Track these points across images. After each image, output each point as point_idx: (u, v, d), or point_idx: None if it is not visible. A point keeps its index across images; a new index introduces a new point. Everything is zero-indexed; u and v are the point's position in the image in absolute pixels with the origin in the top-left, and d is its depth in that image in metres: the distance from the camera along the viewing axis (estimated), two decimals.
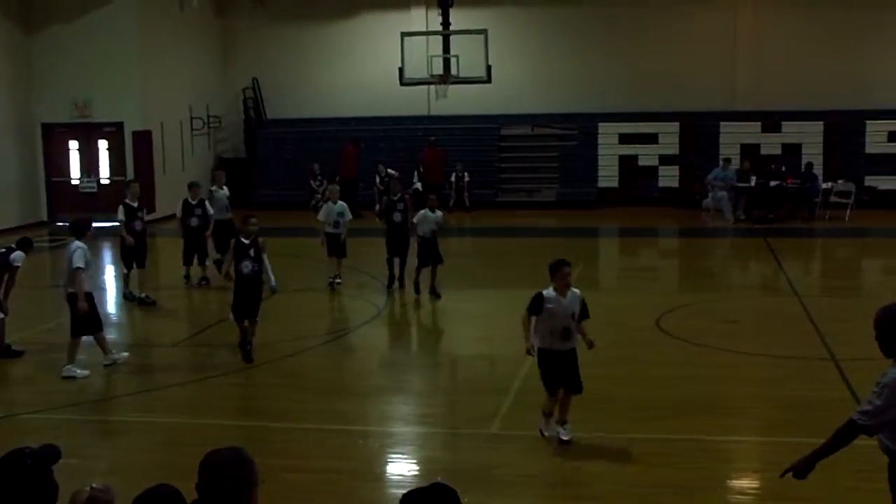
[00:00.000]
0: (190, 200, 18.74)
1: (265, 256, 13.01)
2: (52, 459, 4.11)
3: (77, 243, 12.65)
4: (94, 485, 4.18)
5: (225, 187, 20.12)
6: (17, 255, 13.29)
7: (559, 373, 9.54)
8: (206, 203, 18.81)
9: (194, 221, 18.49)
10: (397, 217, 17.66)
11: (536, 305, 9.54)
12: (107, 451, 10.27)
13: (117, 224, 17.69)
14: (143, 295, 17.37)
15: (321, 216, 18.52)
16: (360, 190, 29.11)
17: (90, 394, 12.17)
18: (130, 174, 28.04)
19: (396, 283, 17.81)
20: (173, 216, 28.17)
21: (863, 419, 5.75)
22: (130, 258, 17.45)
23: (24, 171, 27.61)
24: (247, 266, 12.80)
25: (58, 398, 11.85)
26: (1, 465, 4.01)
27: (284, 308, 15.97)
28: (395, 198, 17.89)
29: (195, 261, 18.69)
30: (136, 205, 17.53)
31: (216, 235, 18.90)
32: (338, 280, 18.25)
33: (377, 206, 17.88)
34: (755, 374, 12.42)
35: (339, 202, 18.53)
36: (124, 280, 17.64)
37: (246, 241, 12.86)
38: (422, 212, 17.36)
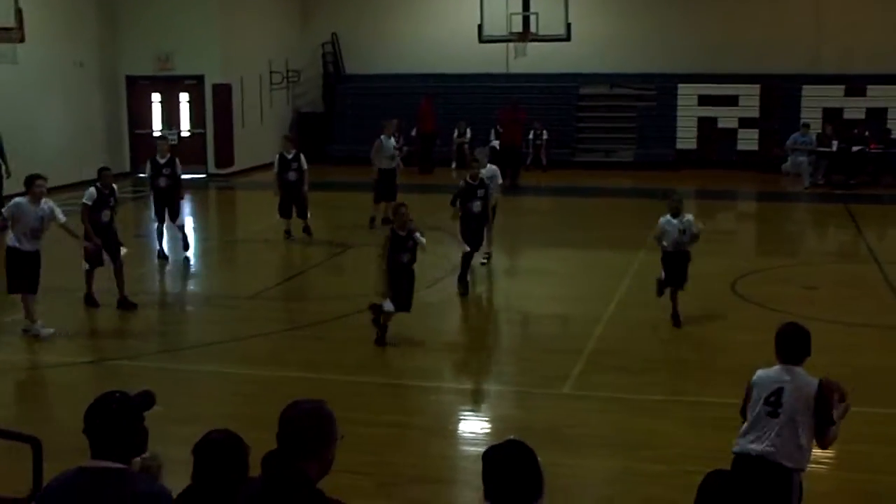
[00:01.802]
0: (286, 154, 18.76)
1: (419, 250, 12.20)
2: (144, 406, 4.25)
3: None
4: (144, 455, 4.32)
5: (393, 137, 20.24)
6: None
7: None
8: (301, 157, 18.81)
9: (292, 175, 18.53)
10: (476, 206, 14.91)
11: None
12: (185, 399, 10.53)
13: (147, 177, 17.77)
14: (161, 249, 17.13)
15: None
16: (437, 146, 29.19)
17: (167, 344, 12.46)
18: (210, 127, 28.46)
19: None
20: (251, 169, 28.89)
21: None
22: (160, 211, 17.22)
23: (108, 122, 28.10)
24: (405, 257, 12.02)
25: (141, 346, 12.18)
26: (90, 410, 4.16)
27: (364, 262, 16.08)
28: (475, 182, 14.98)
29: (294, 213, 18.59)
30: (164, 160, 17.21)
31: (380, 183, 19.36)
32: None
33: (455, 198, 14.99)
34: (832, 341, 12.29)
35: (490, 166, 16.65)
36: (157, 236, 17.38)
37: (402, 234, 12.05)
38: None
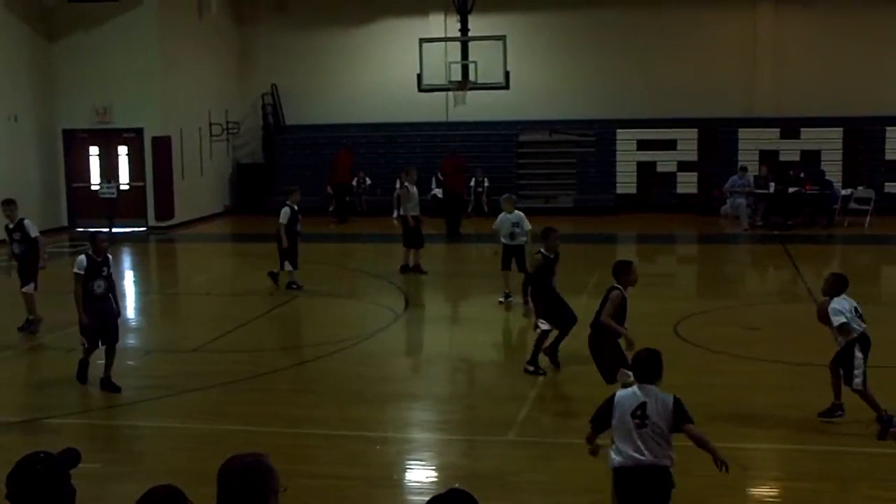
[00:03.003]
0: (294, 206, 18.48)
1: None
2: (70, 464, 4.12)
3: None
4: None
5: (412, 186, 20.32)
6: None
7: None
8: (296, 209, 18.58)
9: (300, 227, 18.45)
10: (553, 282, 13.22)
11: None
12: (124, 455, 10.33)
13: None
14: None
15: (496, 226, 17.21)
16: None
17: (108, 399, 12.22)
18: (150, 180, 28.21)
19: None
20: (192, 222, 28.67)
21: None
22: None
23: (45, 176, 27.80)
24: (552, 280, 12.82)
25: (76, 402, 11.93)
26: (15, 470, 4.02)
27: (307, 314, 16.00)
28: (552, 256, 13.29)
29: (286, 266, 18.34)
30: (12, 225, 15.48)
31: (412, 230, 19.61)
32: (509, 297, 16.85)
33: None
34: (773, 381, 12.37)
35: (516, 212, 17.23)
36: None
37: (551, 257, 12.98)
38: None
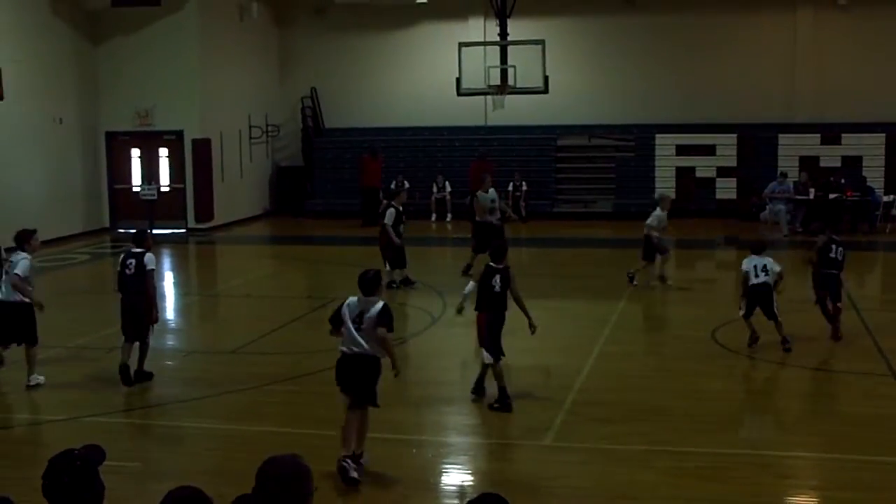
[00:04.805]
0: (398, 207, 18.86)
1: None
2: (99, 460, 4.23)
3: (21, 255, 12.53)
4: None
5: (491, 190, 20.40)
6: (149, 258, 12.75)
7: None
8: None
9: (403, 229, 18.84)
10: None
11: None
12: (162, 455, 10.43)
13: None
14: None
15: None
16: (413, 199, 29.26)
17: (146, 399, 12.35)
18: (190, 182, 28.46)
19: None
20: (231, 224, 28.87)
21: None
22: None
23: (88, 178, 28.10)
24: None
25: (117, 402, 12.06)
26: (51, 467, 4.12)
27: None
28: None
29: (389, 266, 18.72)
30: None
31: (478, 236, 19.69)
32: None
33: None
34: (811, 388, 12.29)
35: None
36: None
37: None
38: None
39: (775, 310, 13.70)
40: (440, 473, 9.82)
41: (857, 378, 12.53)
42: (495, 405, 11.38)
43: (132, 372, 12.59)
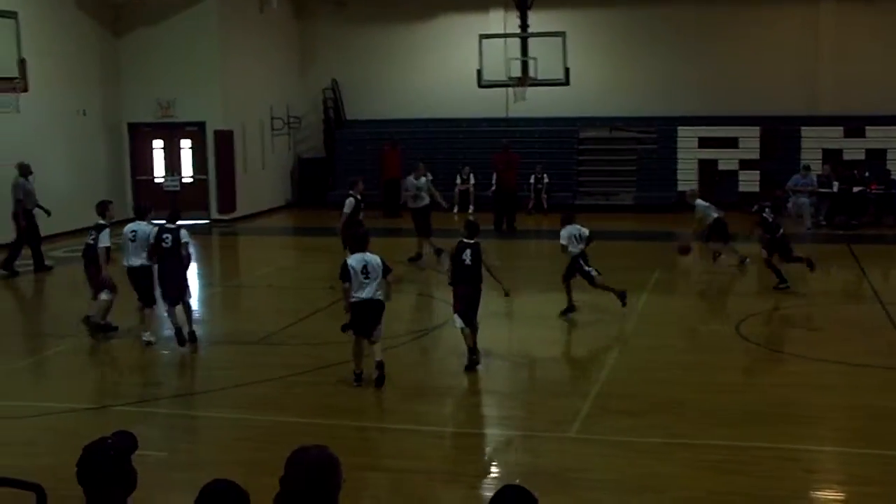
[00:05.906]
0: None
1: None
2: (132, 447, 4.31)
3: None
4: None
5: (422, 178, 21.80)
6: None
7: None
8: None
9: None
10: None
11: None
12: (189, 444, 10.50)
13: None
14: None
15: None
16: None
17: (174, 388, 12.44)
18: (212, 173, 28.57)
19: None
20: (254, 215, 28.96)
21: None
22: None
23: (111, 169, 28.25)
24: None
25: (144, 391, 12.15)
26: (85, 456, 4.16)
27: None
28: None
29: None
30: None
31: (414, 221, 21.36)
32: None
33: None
34: (836, 382, 12.25)
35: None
36: None
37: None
38: None
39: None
40: (465, 464, 9.84)
41: (882, 372, 12.48)
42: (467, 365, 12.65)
43: (186, 332, 13.87)
